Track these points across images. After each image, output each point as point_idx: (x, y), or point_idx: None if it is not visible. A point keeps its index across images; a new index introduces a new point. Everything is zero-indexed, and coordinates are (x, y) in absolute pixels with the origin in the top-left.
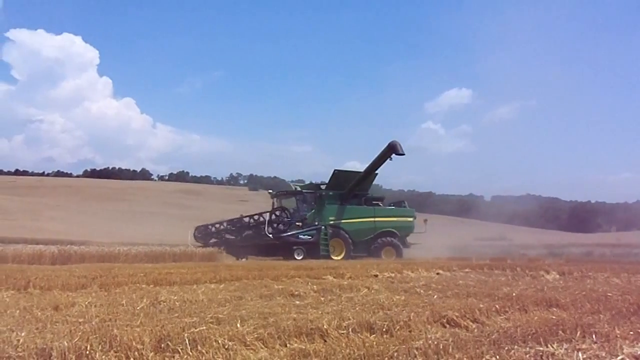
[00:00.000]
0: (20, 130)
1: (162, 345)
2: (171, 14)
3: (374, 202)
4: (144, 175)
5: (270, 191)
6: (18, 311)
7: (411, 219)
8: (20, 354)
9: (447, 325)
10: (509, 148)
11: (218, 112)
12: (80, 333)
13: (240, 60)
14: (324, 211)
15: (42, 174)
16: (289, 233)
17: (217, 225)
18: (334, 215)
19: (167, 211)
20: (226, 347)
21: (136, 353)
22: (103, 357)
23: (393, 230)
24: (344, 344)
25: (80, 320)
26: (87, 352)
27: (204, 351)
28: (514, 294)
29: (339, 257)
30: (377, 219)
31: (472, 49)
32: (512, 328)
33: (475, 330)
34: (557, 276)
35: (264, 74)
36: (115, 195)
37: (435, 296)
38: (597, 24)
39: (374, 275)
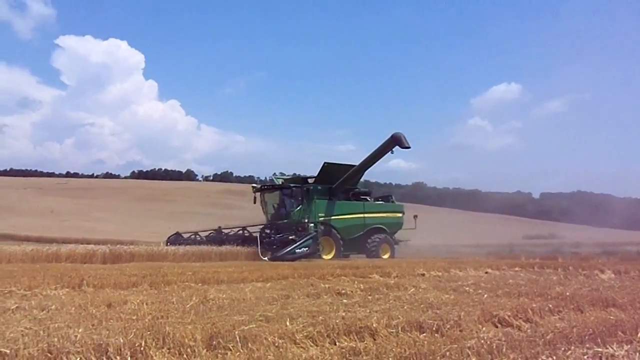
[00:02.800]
0: (71, 134)
1: (214, 342)
2: (214, 18)
3: (361, 196)
4: (189, 176)
5: (254, 185)
6: (74, 308)
7: (400, 215)
8: (79, 349)
9: (499, 325)
10: (559, 143)
11: (261, 112)
12: (134, 330)
13: (283, 61)
14: (314, 207)
15: (92, 176)
16: (285, 251)
17: (192, 236)
18: (324, 212)
19: (211, 211)
20: (276, 344)
21: (189, 350)
22: (157, 353)
23: (382, 226)
24: (394, 343)
25: (134, 317)
26: (142, 349)
27: (254, 349)
28: (567, 294)
29: (329, 257)
30: (366, 215)
31: (522, 42)
32: (568, 328)
33: (529, 330)
34: (613, 275)
35: (306, 73)
36: (161, 196)
37: (486, 295)
38: None
39: (421, 274)
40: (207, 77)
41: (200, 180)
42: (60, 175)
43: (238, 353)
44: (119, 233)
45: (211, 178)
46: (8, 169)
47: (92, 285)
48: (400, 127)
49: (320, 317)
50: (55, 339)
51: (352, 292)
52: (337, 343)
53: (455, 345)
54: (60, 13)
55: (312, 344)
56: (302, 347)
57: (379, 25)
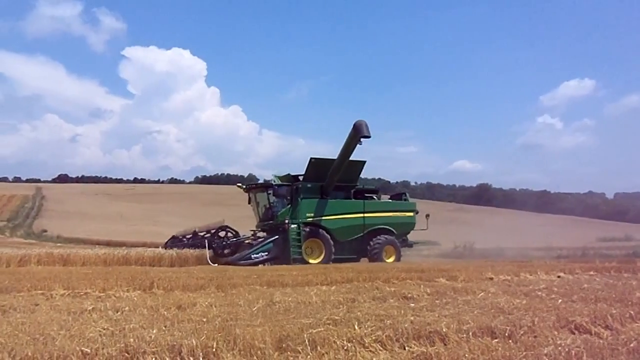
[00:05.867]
0: (138, 141)
1: (283, 345)
2: (276, 24)
3: (366, 194)
4: (252, 180)
5: (239, 184)
6: (146, 310)
7: (411, 214)
8: (154, 350)
9: (576, 332)
10: (635, 141)
11: (323, 116)
12: (205, 332)
13: (344, 65)
14: (300, 207)
15: (158, 182)
16: (237, 256)
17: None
18: (312, 211)
19: None
20: (345, 348)
21: (259, 352)
22: (228, 355)
23: (388, 227)
24: (466, 348)
25: (204, 319)
26: (214, 350)
27: (323, 352)
28: None
29: (317, 261)
30: (367, 215)
31: (595, 35)
32: None
33: (609, 338)
34: None
35: (368, 76)
36: (225, 200)
37: (560, 300)
38: None
39: (489, 278)
40: (267, 82)
41: None
42: (128, 182)
43: (308, 356)
44: None
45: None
46: (80, 176)
47: (162, 287)
48: (465, 127)
49: (388, 321)
50: (131, 339)
51: (418, 296)
52: (406, 347)
53: (531, 352)
54: (130, 26)
55: (381, 348)
56: (371, 351)
57: (442, 25)
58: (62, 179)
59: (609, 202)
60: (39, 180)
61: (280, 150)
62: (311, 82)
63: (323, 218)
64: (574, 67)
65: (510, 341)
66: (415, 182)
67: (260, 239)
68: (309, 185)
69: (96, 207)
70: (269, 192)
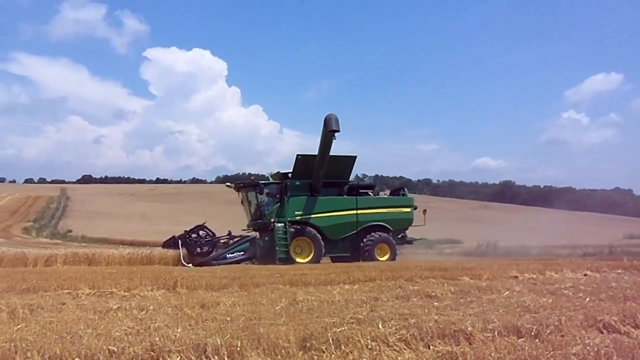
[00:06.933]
0: (160, 142)
1: (307, 344)
2: (295, 23)
3: (361, 191)
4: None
5: (228, 184)
6: (170, 309)
7: (408, 210)
8: (179, 348)
9: (605, 331)
10: None
11: (344, 114)
12: (229, 331)
13: (365, 63)
14: (288, 205)
15: (180, 182)
16: (212, 256)
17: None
18: (301, 209)
19: None
20: (369, 347)
21: (283, 351)
22: (252, 354)
23: (383, 224)
24: (492, 348)
25: (227, 318)
26: (238, 349)
27: (348, 351)
28: None
29: (306, 260)
30: (360, 212)
31: (622, 28)
32: None
33: None
34: None
35: (388, 74)
36: None
37: (587, 299)
38: None
39: (514, 276)
40: (288, 81)
41: None
42: (150, 182)
43: (332, 355)
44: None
45: None
46: (104, 177)
47: (185, 286)
48: (488, 123)
49: (412, 320)
50: (157, 338)
51: (442, 294)
52: (431, 347)
53: (559, 352)
54: (152, 28)
55: (405, 347)
56: (395, 350)
57: (463, 23)
58: (86, 179)
59: (636, 199)
60: (63, 181)
61: (301, 149)
62: (331, 81)
63: (312, 216)
64: (600, 61)
65: (537, 340)
66: (437, 180)
67: (237, 239)
68: (297, 183)
69: (120, 207)
70: (257, 190)
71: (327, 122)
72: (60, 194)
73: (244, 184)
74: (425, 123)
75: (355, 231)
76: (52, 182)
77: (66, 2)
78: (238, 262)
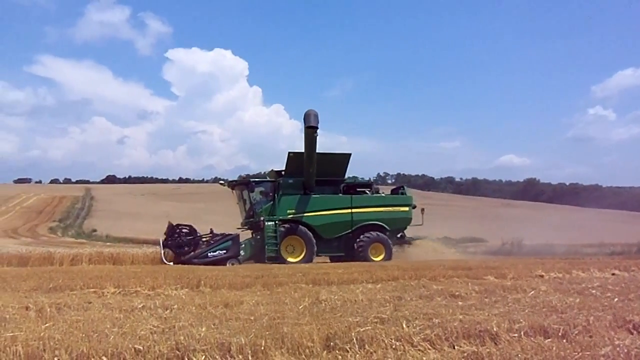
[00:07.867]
0: (182, 142)
1: (331, 343)
2: (316, 22)
3: (358, 189)
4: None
5: (222, 182)
6: (194, 308)
7: (407, 209)
8: (204, 347)
9: (634, 332)
10: None
11: (366, 113)
12: (253, 330)
13: (386, 61)
14: (280, 203)
15: (202, 181)
16: (193, 255)
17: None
18: (294, 208)
19: None
20: (394, 347)
21: (307, 351)
22: (276, 353)
23: (380, 223)
24: (518, 348)
25: (251, 317)
26: (262, 349)
27: (372, 350)
28: None
29: (297, 260)
30: (355, 211)
31: None
32: None
33: None
34: None
35: (410, 72)
36: None
37: (616, 299)
38: None
39: (539, 276)
40: (309, 80)
41: None
42: (173, 181)
43: (356, 355)
44: None
45: None
46: (127, 177)
47: (209, 285)
48: (512, 120)
49: (437, 320)
50: (182, 337)
51: (466, 294)
52: (455, 347)
53: (588, 353)
54: (175, 29)
55: (430, 347)
56: (420, 350)
57: (488, 18)
58: (110, 179)
59: None
60: (88, 182)
61: (323, 148)
62: (353, 80)
63: (305, 214)
64: (628, 55)
65: (564, 341)
66: (460, 178)
67: (218, 237)
68: (290, 181)
69: (143, 207)
70: (249, 189)
71: (306, 118)
72: (84, 194)
73: (237, 182)
74: (448, 121)
75: (350, 230)
76: (77, 182)
77: (91, 4)
78: (220, 261)
